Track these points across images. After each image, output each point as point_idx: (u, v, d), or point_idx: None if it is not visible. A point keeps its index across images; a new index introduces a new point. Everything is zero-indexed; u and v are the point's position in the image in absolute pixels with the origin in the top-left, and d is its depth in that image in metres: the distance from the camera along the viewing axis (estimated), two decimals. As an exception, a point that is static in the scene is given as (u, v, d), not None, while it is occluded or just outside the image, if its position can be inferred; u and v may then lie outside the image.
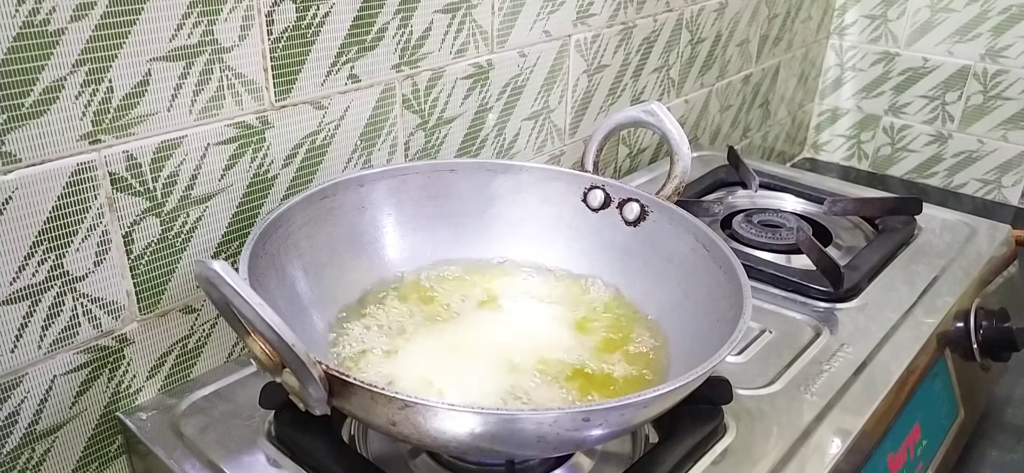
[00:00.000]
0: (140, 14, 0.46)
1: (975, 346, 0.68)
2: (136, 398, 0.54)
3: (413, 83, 0.65)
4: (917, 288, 0.68)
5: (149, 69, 0.48)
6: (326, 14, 0.56)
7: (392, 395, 0.37)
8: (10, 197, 0.44)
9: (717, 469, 0.48)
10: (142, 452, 0.51)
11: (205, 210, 0.54)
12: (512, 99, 0.75)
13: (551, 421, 0.38)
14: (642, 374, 0.51)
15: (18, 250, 0.45)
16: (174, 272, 0.53)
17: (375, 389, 0.38)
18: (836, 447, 0.50)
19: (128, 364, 0.53)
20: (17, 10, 0.41)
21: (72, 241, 0.47)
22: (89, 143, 0.46)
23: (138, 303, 0.52)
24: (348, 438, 0.52)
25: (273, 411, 0.50)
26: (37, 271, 0.46)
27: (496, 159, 0.75)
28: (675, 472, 0.47)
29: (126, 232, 0.50)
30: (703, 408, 0.50)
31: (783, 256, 0.74)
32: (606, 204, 0.61)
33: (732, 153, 0.91)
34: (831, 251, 0.72)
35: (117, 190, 0.48)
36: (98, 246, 0.49)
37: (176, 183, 0.51)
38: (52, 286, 0.47)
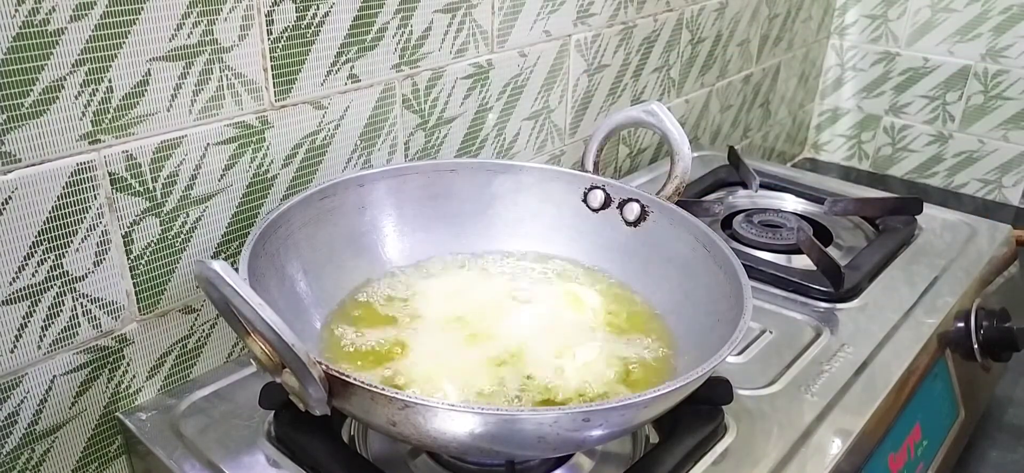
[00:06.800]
0: (140, 14, 0.46)
1: (976, 346, 0.68)
2: (136, 398, 0.54)
3: (413, 83, 0.65)
4: (918, 288, 0.68)
5: (149, 69, 0.48)
6: (326, 14, 0.56)
7: (392, 395, 0.37)
8: (10, 197, 0.44)
9: (717, 469, 0.48)
10: (142, 452, 0.51)
11: (205, 210, 0.54)
12: (512, 99, 0.75)
13: (551, 421, 0.38)
14: (642, 374, 0.51)
15: (18, 250, 0.45)
16: (174, 272, 0.53)
17: (375, 389, 0.38)
18: (837, 447, 0.50)
19: (128, 364, 0.53)
20: (17, 10, 0.41)
21: (72, 241, 0.47)
22: (89, 143, 0.46)
23: (138, 303, 0.52)
24: (348, 438, 0.52)
25: (273, 411, 0.50)
26: (37, 271, 0.46)
27: (496, 159, 0.75)
28: (675, 472, 0.47)
29: (126, 232, 0.50)
30: (703, 408, 0.50)
31: (783, 256, 0.74)
32: (606, 204, 0.61)
33: (732, 153, 0.91)
34: (832, 251, 0.72)
35: (117, 190, 0.48)
36: (98, 246, 0.49)
37: (176, 183, 0.51)
38: (52, 286, 0.47)
